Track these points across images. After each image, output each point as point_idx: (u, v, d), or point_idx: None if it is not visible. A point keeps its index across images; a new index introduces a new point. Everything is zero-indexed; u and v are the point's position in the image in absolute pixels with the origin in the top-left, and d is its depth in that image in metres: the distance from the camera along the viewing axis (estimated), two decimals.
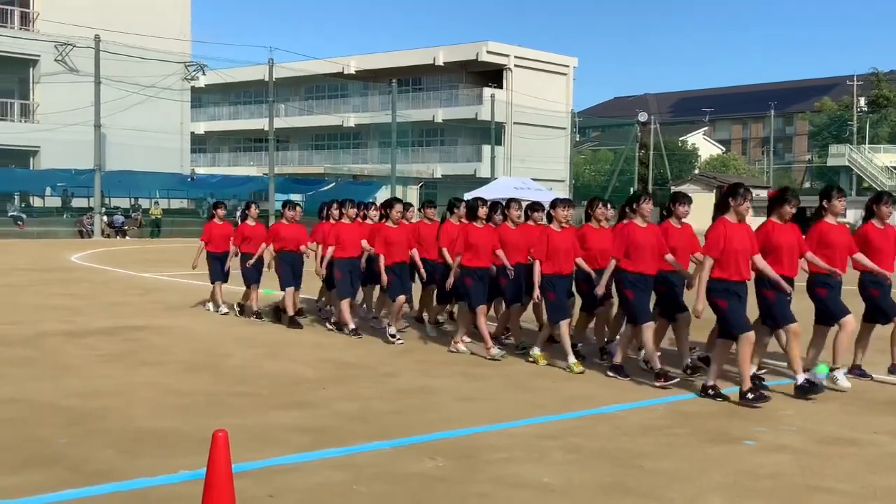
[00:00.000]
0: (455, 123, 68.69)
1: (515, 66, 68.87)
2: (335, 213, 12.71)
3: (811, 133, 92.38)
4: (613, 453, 6.56)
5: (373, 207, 13.18)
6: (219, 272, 14.01)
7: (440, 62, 69.13)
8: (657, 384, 8.75)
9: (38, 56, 48.02)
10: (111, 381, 8.78)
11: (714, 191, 66.67)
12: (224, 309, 14.00)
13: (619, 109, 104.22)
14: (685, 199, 9.75)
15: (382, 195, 56.75)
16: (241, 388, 8.61)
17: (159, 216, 45.57)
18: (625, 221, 9.56)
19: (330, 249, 11.90)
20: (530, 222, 11.00)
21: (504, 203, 11.14)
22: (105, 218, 43.28)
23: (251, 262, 13.36)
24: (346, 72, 72.11)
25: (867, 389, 8.84)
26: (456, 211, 12.01)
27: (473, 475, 5.95)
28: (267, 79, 51.02)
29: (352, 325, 11.79)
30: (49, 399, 7.94)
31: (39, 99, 48.81)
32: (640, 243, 9.05)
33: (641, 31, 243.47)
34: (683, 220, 9.71)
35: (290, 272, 12.96)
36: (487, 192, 57.58)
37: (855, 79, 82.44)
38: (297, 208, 13.57)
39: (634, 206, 9.38)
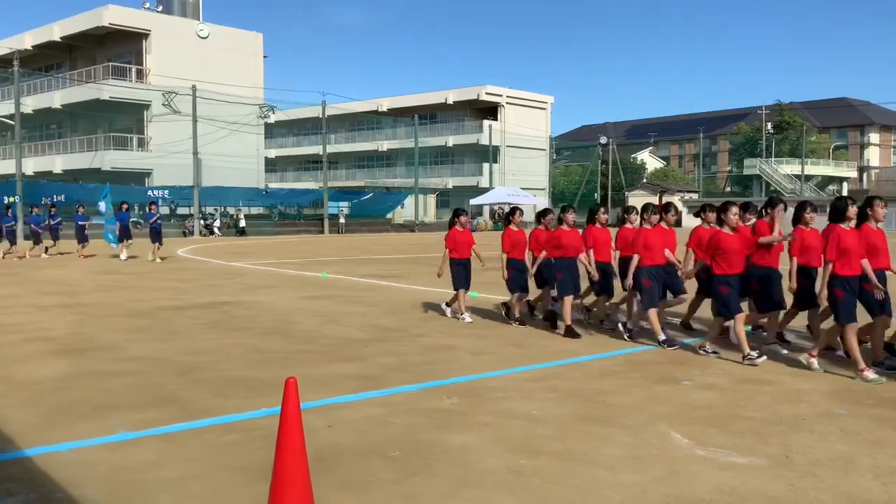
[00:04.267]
0: (462, 147, 68.64)
1: (507, 103, 68.64)
2: (634, 218, 9.61)
3: (731, 150, 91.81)
4: (583, 392, 6.55)
5: (633, 212, 9.71)
6: (462, 279, 10.54)
7: (450, 101, 69.02)
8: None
9: (150, 102, 48.40)
10: (210, 343, 8.83)
11: (657, 194, 66.32)
12: (467, 317, 10.42)
13: (585, 135, 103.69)
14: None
15: (409, 202, 56.88)
16: (307, 346, 8.64)
17: (241, 220, 45.82)
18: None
19: (636, 256, 8.68)
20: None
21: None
22: (202, 222, 43.43)
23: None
24: (380, 109, 72.09)
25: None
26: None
27: (479, 409, 5.97)
28: (321, 116, 51.04)
29: (662, 336, 8.53)
30: (163, 356, 7.99)
31: (152, 134, 49.16)
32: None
33: (603, 74, 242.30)
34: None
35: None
36: (487, 198, 57.73)
37: (764, 108, 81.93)
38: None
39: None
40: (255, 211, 51.60)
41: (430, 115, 70.06)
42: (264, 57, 55.05)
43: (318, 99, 61.18)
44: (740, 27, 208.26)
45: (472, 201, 58.57)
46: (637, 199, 64.01)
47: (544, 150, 68.51)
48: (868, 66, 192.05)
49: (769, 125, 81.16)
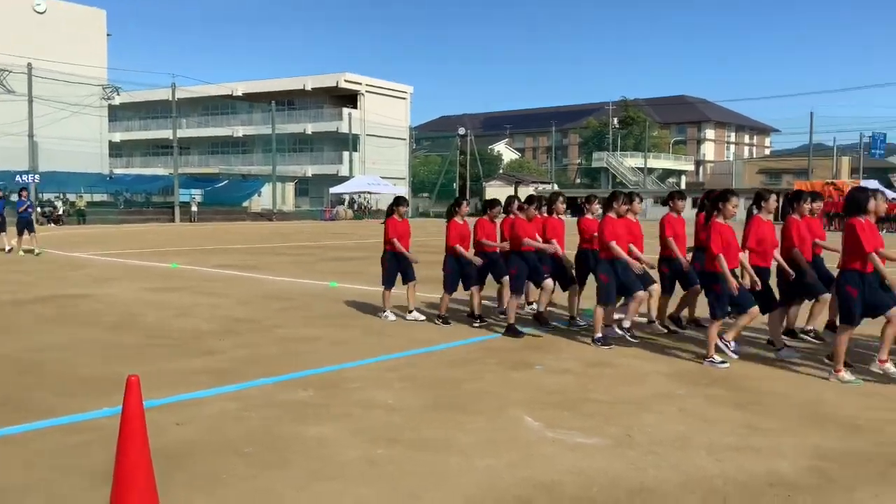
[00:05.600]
0: (321, 135, 67.82)
1: (367, 91, 68.41)
2: (497, 212, 9.41)
3: (581, 143, 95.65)
4: (440, 380, 6.65)
5: (596, 201, 9.30)
6: (393, 274, 9.68)
7: (309, 87, 68.00)
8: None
9: None
10: (51, 338, 8.26)
11: (513, 185, 68.13)
12: (391, 316, 9.69)
13: (444, 125, 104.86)
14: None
15: (266, 190, 55.54)
16: (156, 340, 8.25)
17: (84, 207, 43.20)
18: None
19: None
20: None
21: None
22: (40, 209, 40.60)
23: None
24: (234, 94, 69.90)
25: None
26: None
27: (336, 400, 5.93)
28: (171, 99, 48.85)
29: (599, 334, 8.17)
30: (0, 353, 7.43)
31: None
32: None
33: (461, 67, 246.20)
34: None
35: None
36: (347, 187, 57.39)
37: (610, 104, 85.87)
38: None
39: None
40: (98, 198, 48.72)
41: (287, 101, 68.69)
42: (108, 35, 52.03)
43: (168, 81, 58.33)
44: (589, 26, 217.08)
45: (332, 190, 58.01)
46: (494, 189, 65.62)
47: (404, 139, 68.76)
48: (704, 67, 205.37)
49: (615, 120, 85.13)
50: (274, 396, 6.02)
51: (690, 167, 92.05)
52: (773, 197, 7.86)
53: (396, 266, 9.71)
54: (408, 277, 9.72)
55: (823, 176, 57.56)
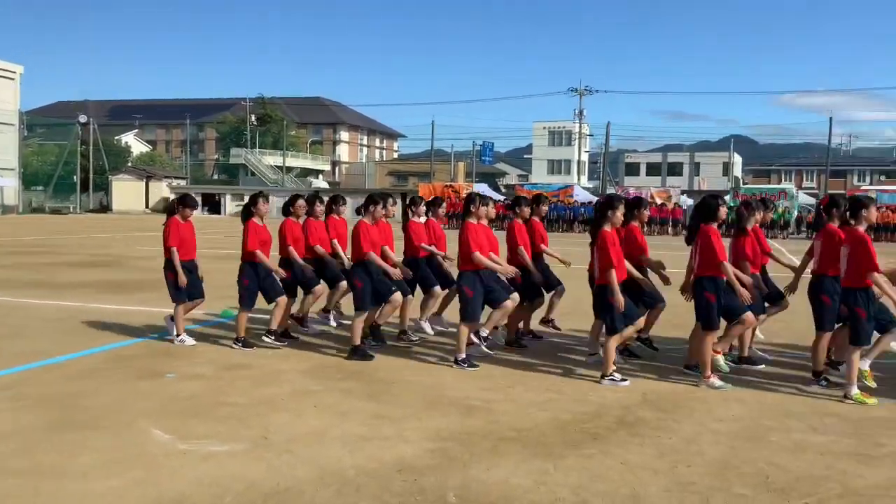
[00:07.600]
0: None
1: None
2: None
3: (218, 139, 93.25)
4: (58, 396, 5.97)
5: (421, 203, 8.83)
6: (188, 286, 7.97)
7: None
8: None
9: None
10: None
11: (144, 180, 63.93)
12: (189, 340, 8.05)
13: (62, 111, 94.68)
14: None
15: None
16: None
17: None
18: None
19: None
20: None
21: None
22: None
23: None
24: None
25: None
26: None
27: None
28: None
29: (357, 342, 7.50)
30: None
31: None
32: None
33: (81, 49, 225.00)
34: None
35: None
36: None
37: (248, 100, 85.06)
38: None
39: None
40: None
41: None
42: None
43: None
44: (225, 18, 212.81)
45: None
46: (123, 184, 61.09)
47: (13, 124, 60.72)
48: (339, 71, 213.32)
49: (253, 117, 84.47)
50: None
51: (327, 167, 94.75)
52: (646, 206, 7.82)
53: (188, 277, 8.01)
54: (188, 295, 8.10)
55: (443, 179, 63.04)
